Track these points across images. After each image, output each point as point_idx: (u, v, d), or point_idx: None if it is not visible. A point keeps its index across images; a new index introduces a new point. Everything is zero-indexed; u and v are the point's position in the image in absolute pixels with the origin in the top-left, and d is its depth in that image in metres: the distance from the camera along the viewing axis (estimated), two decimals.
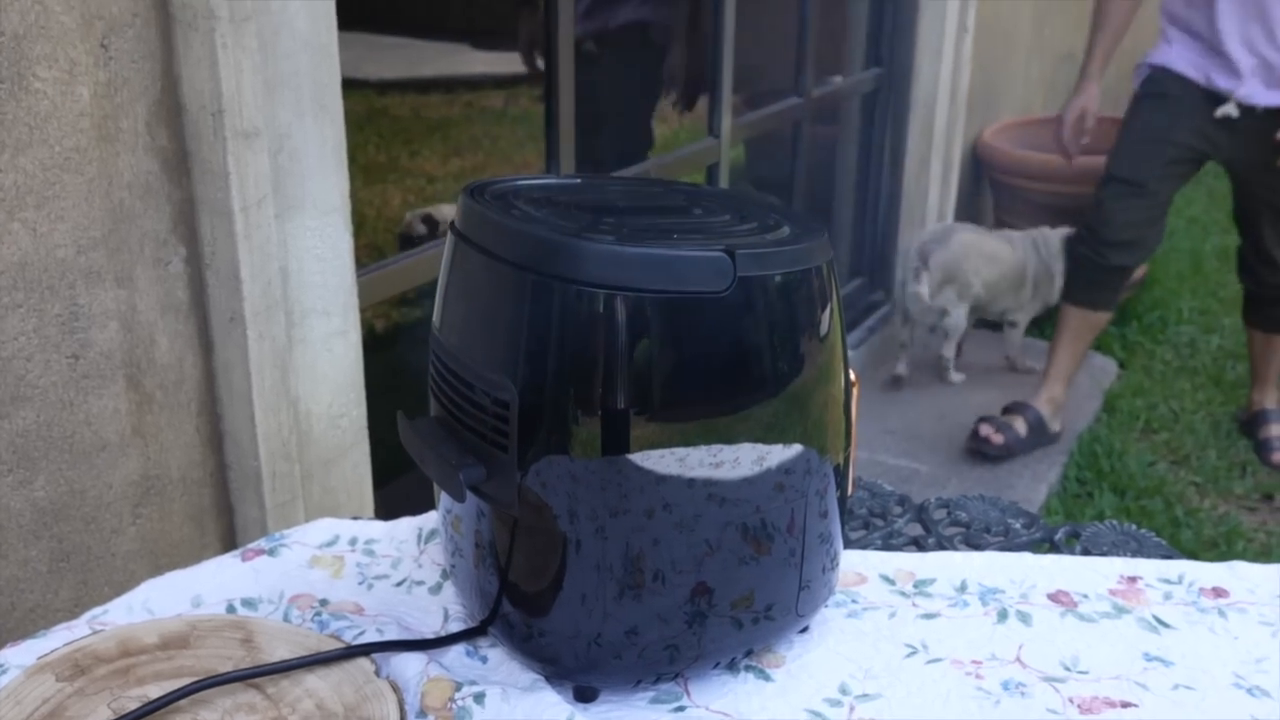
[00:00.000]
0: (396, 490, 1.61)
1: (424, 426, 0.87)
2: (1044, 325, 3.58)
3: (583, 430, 0.78)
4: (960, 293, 3.34)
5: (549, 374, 0.78)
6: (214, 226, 1.21)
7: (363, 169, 2.51)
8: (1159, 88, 2.80)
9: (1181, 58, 2.74)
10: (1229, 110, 2.64)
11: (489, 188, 0.95)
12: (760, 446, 0.81)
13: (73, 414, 1.15)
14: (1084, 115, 3.00)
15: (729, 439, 0.80)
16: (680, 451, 0.78)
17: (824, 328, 0.84)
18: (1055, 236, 3.34)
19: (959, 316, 3.35)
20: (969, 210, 4.14)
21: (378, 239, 2.34)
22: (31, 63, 1.04)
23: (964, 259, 3.33)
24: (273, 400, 1.28)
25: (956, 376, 3.42)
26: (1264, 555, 2.58)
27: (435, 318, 0.93)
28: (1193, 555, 2.20)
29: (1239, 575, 0.97)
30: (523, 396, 0.78)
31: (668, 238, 0.84)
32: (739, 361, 0.80)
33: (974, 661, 0.86)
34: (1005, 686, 0.84)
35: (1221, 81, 2.64)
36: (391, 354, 1.79)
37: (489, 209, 0.87)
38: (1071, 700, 0.82)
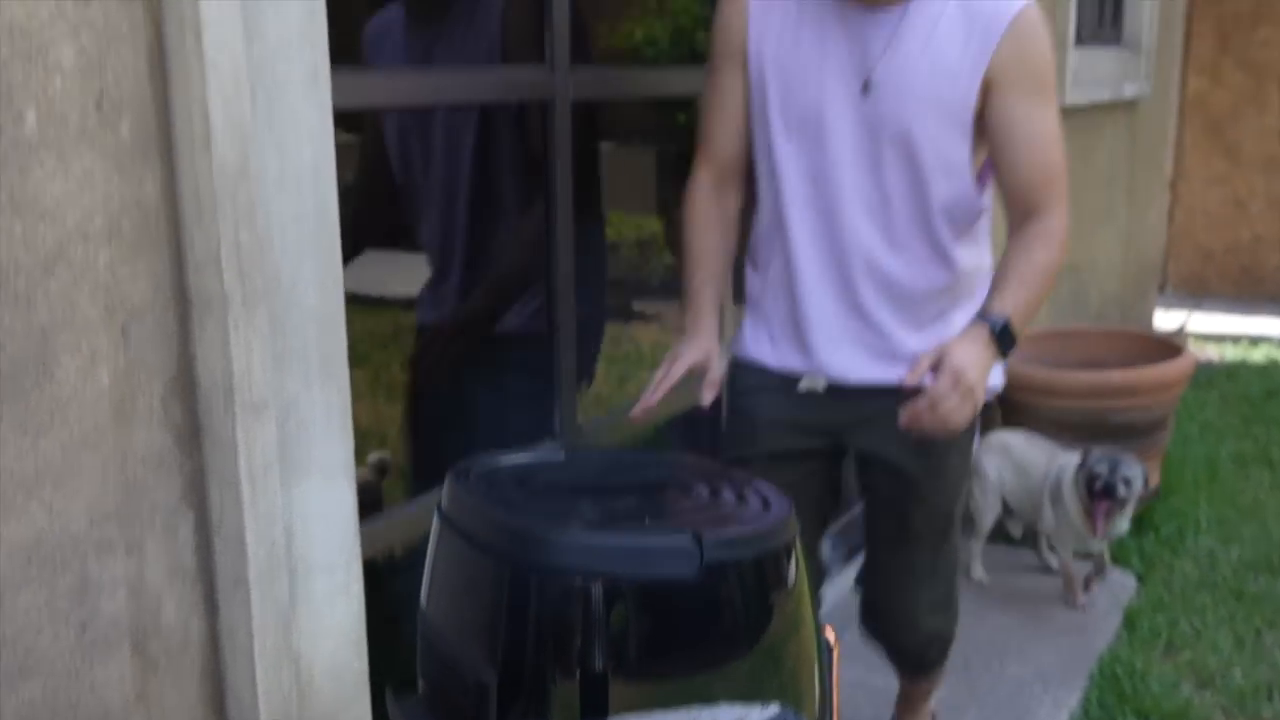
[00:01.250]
0: None
1: (410, 707, 0.90)
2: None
3: (560, 710, 0.81)
4: (980, 485, 3.44)
5: (526, 660, 0.82)
6: (222, 495, 1.27)
7: (386, 388, 2.59)
8: (736, 385, 2.05)
9: (757, 342, 2.03)
10: (814, 385, 1.96)
11: (474, 468, 1.01)
12: (736, 707, 0.83)
13: (78, 682, 1.18)
14: (709, 363, 1.89)
15: (706, 699, 0.83)
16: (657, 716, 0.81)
17: (791, 602, 0.87)
18: (1071, 464, 3.32)
19: (983, 507, 3.44)
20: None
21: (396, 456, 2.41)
22: (57, 352, 1.12)
23: (984, 452, 3.45)
24: (274, 658, 1.31)
25: (979, 572, 3.47)
26: None
27: (423, 596, 0.97)
28: None
29: None
30: (501, 679, 0.82)
31: (640, 522, 0.89)
32: (708, 640, 0.83)
33: None
34: None
35: (799, 360, 1.98)
36: (394, 603, 1.82)
37: (472, 495, 0.92)
38: None
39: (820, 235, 1.89)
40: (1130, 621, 3.27)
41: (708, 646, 0.86)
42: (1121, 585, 3.49)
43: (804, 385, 1.97)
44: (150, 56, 1.16)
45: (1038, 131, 1.80)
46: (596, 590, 0.82)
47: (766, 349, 2.01)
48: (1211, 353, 6.23)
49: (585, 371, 2.30)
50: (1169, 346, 4.08)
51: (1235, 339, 6.56)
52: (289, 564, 1.34)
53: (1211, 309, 7.12)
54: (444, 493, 0.93)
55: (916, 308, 1.93)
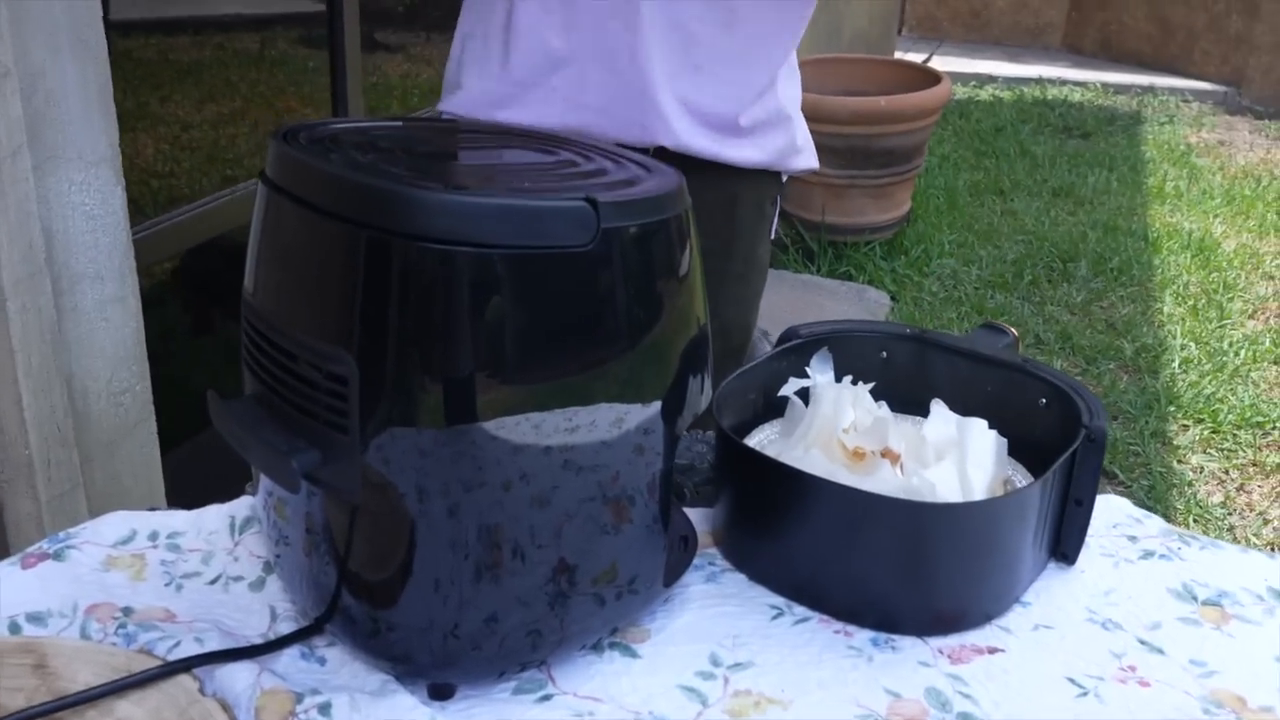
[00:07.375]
0: (191, 471, 1.47)
1: (241, 408, 0.77)
2: None
3: (430, 399, 0.71)
4: None
5: (390, 343, 0.70)
6: None
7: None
8: None
9: (487, 95, 1.26)
10: None
11: (301, 132, 0.85)
12: (618, 406, 0.75)
13: None
14: None
15: (586, 400, 0.74)
16: (535, 417, 0.72)
17: (683, 270, 0.79)
18: None
19: None
20: None
21: (133, 191, 2.16)
22: None
23: None
24: (42, 379, 1.13)
25: None
26: None
27: (247, 280, 0.82)
28: None
29: None
30: (362, 369, 0.70)
31: (519, 186, 0.77)
32: (598, 319, 0.74)
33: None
34: (874, 643, 0.82)
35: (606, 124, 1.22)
36: (180, 317, 1.63)
37: (307, 155, 0.77)
38: (940, 651, 0.81)
39: None
40: None
41: (593, 335, 0.76)
42: (877, 303, 3.65)
43: None
44: None
45: None
46: (474, 262, 0.70)
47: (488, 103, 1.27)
48: None
49: None
50: (926, 74, 4.14)
51: (965, 79, 6.81)
52: (51, 271, 1.14)
53: (945, 53, 7.34)
54: (269, 157, 0.78)
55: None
